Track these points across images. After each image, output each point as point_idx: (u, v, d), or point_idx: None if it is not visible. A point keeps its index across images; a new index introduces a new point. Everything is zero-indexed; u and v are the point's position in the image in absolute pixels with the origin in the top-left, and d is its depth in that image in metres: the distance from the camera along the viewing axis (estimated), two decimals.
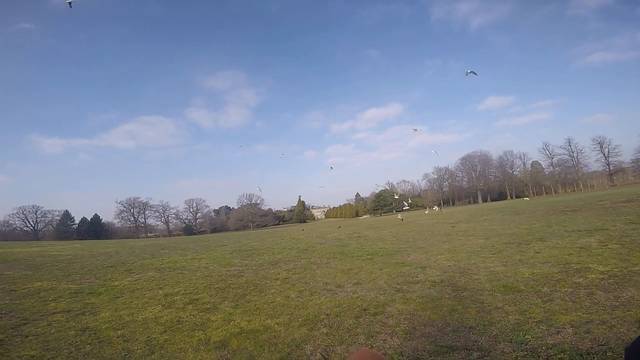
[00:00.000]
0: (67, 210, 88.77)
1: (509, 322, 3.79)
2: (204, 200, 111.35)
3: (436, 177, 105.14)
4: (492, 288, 5.26)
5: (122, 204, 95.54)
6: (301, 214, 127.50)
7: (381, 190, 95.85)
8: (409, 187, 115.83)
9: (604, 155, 79.81)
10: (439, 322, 4.03)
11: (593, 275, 5.15)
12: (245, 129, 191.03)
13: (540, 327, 3.54)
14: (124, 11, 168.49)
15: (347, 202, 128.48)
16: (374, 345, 3.61)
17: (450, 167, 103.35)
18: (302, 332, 4.25)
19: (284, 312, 5.23)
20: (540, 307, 4.12)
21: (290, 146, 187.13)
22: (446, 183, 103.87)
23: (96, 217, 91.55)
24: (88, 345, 4.29)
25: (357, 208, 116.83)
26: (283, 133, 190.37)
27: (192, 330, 4.70)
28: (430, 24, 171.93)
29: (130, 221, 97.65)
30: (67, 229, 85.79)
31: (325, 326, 4.39)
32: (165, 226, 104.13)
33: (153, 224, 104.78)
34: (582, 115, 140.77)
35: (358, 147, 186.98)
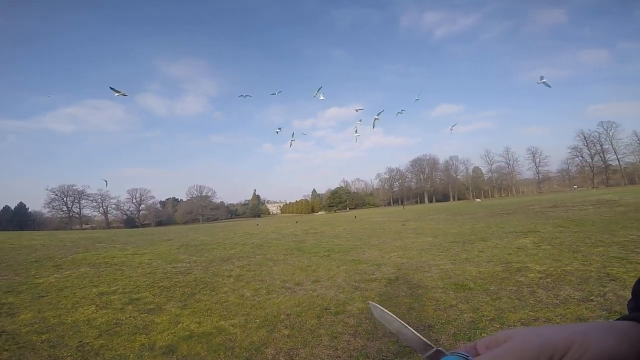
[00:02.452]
0: None
1: (464, 320, 3.93)
2: (149, 191, 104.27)
3: (387, 177, 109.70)
4: (444, 286, 5.48)
5: (54, 192, 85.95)
6: (256, 208, 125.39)
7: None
8: (363, 185, 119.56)
9: (535, 164, 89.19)
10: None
11: (532, 274, 5.59)
12: (202, 118, 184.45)
13: (494, 325, 3.71)
14: None
15: (303, 198, 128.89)
16: (338, 347, 3.53)
17: (401, 168, 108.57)
18: (261, 334, 4.04)
19: (239, 312, 4.96)
20: (490, 305, 4.34)
21: (247, 138, 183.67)
22: (397, 183, 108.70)
23: (21, 206, 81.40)
24: (5, 352, 3.70)
25: (313, 204, 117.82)
26: (241, 125, 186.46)
27: (134, 334, 4.27)
28: (397, 30, 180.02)
29: (62, 211, 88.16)
30: None
31: (286, 327, 4.22)
32: (103, 217, 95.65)
33: (89, 215, 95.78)
34: (520, 125, 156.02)
35: (317, 145, 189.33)
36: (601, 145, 75.48)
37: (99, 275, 8.08)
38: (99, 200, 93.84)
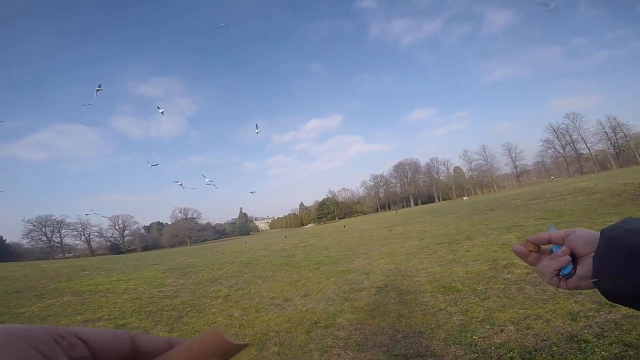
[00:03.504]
0: None
1: (454, 323, 3.90)
2: (132, 217, 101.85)
3: (372, 184, 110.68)
4: (432, 289, 5.46)
5: (31, 223, 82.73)
6: (243, 226, 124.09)
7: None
8: (349, 194, 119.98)
9: (512, 159, 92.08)
10: (389, 329, 4.03)
11: (519, 270, 5.62)
12: (179, 139, 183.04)
13: (484, 326, 3.67)
14: (44, 6, 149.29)
15: (291, 212, 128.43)
16: None
17: (385, 174, 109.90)
18: (250, 354, 3.92)
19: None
20: (479, 305, 4.33)
21: (228, 158, 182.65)
22: (382, 189, 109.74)
23: None
24: None
25: (301, 217, 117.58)
26: (221, 144, 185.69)
27: None
28: (367, 40, 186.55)
29: (42, 241, 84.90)
30: None
31: (276, 344, 4.11)
32: (86, 245, 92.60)
33: (71, 244, 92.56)
34: (492, 123, 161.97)
35: (300, 158, 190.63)
36: (570, 136, 79.05)
37: (82, 303, 7.84)
38: (80, 229, 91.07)
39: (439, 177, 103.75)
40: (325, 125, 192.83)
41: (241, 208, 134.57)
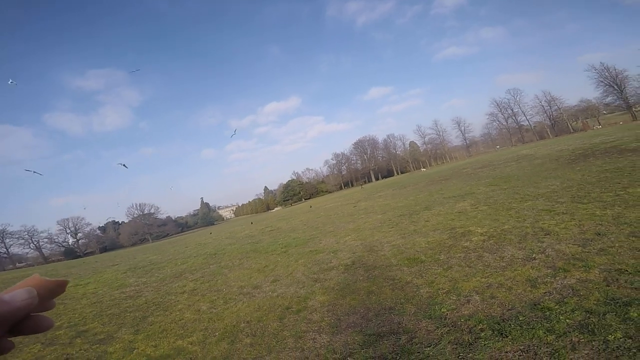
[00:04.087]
0: None
1: (422, 296, 4.02)
2: (83, 218, 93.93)
3: (335, 162, 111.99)
4: (398, 262, 5.64)
5: None
6: (207, 216, 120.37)
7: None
8: (313, 174, 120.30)
9: (461, 132, 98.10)
10: (360, 307, 4.09)
11: (476, 238, 5.96)
12: (127, 131, 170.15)
13: (451, 297, 3.79)
14: None
15: (256, 197, 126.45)
16: (304, 347, 3.44)
17: (346, 152, 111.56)
18: (222, 348, 3.82)
19: (196, 328, 4.69)
20: (443, 276, 4.51)
21: (183, 146, 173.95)
22: (344, 167, 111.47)
23: None
24: None
25: (267, 201, 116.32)
26: (174, 133, 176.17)
27: None
28: (324, 21, 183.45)
29: None
30: None
31: (248, 335, 4.03)
32: (38, 253, 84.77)
33: (20, 253, 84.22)
34: (443, 100, 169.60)
35: (261, 142, 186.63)
36: (512, 110, 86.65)
37: None
38: (26, 236, 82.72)
39: (396, 152, 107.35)
40: (285, 108, 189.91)
41: (202, 198, 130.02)
